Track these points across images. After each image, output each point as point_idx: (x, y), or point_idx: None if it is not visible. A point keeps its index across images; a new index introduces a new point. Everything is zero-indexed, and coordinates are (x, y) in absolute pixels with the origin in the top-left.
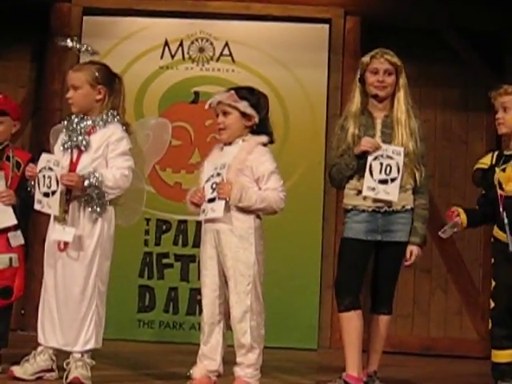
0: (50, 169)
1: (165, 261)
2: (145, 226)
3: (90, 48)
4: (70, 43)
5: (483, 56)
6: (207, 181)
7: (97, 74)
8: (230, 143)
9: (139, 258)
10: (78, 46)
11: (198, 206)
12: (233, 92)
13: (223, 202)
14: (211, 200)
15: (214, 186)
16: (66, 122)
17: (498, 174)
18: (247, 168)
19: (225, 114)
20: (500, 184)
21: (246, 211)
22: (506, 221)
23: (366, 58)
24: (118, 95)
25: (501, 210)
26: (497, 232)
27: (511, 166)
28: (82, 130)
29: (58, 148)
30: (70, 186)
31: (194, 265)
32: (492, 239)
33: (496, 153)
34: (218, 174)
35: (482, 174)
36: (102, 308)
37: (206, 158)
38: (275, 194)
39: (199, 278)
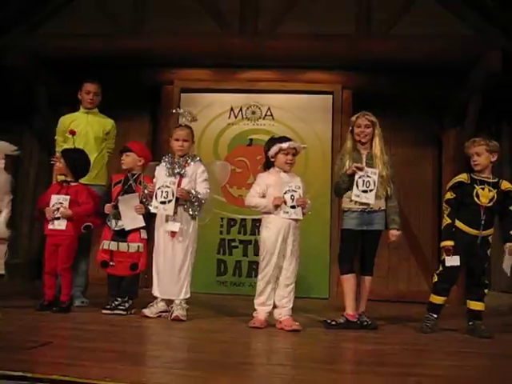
0: (167, 186)
1: (233, 244)
2: (220, 222)
3: (195, 116)
4: (185, 112)
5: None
6: (285, 193)
7: (193, 133)
8: (285, 171)
9: (217, 242)
10: (187, 114)
11: (277, 207)
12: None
13: (301, 210)
14: (292, 206)
15: (293, 197)
16: (167, 159)
17: (478, 190)
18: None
19: (294, 155)
20: (477, 196)
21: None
22: (482, 222)
23: (353, 118)
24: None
25: (481, 213)
26: (460, 224)
27: (487, 187)
28: (180, 164)
29: (163, 174)
30: (182, 197)
31: (251, 246)
32: (454, 228)
33: (470, 174)
34: (295, 191)
35: (458, 184)
36: (191, 272)
37: (267, 176)
38: None
39: (255, 254)
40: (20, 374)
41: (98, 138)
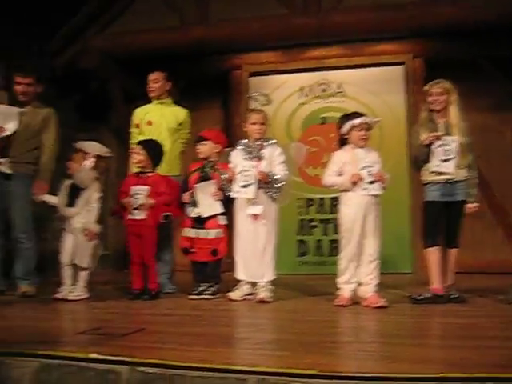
0: (247, 170)
1: (312, 223)
2: (298, 203)
3: (270, 98)
4: (260, 95)
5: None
6: (362, 169)
7: (267, 116)
8: (360, 147)
9: (296, 223)
10: (263, 97)
11: (355, 184)
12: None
13: (379, 185)
14: (370, 182)
15: (370, 173)
16: (242, 144)
17: None
18: None
19: (367, 130)
20: None
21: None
22: None
23: (426, 87)
24: None
25: None
26: None
27: None
28: (257, 148)
29: (240, 159)
30: (262, 179)
31: (331, 225)
32: None
33: None
34: (371, 166)
35: None
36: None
37: (342, 153)
38: None
39: (335, 233)
40: (119, 358)
41: (171, 129)
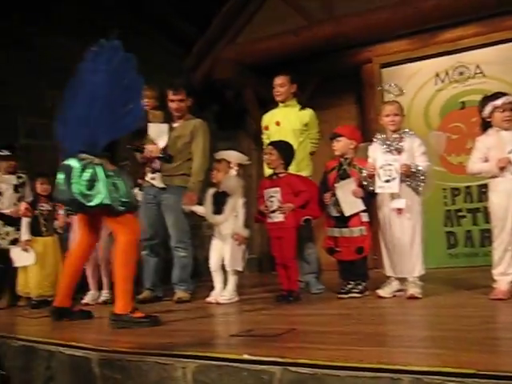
0: (389, 164)
1: (460, 214)
2: (443, 193)
3: (402, 88)
4: (391, 86)
5: None
6: (509, 153)
7: (402, 107)
8: (505, 129)
9: (443, 214)
10: (394, 88)
11: (502, 170)
12: None
13: None
14: None
15: None
16: (379, 138)
17: None
18: None
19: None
20: None
21: None
22: None
23: None
24: None
25: None
26: None
27: None
28: (395, 140)
29: (379, 153)
30: (405, 172)
31: (480, 214)
32: None
33: None
34: None
35: None
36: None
37: (485, 138)
38: None
39: (486, 222)
40: (272, 359)
41: (295, 131)
